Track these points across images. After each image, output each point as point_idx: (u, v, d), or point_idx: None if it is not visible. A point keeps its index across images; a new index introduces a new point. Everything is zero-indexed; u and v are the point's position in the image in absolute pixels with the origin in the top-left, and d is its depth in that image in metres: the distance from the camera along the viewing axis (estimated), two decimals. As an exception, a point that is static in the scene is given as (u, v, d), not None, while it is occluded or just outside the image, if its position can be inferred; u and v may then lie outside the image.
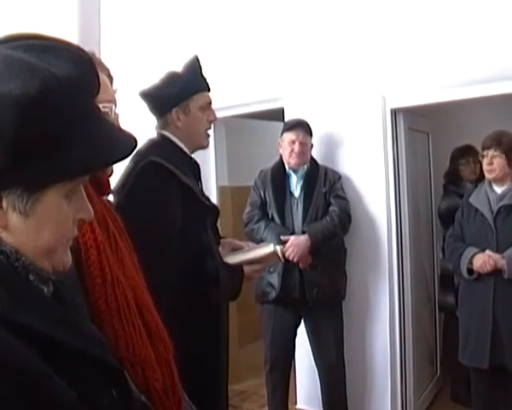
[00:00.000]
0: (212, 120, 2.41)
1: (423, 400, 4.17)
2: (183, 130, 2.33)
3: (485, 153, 3.23)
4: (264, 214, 3.63)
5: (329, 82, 3.90)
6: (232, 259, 2.38)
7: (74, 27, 2.78)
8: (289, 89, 4.08)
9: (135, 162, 2.11)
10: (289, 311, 3.63)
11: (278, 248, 2.55)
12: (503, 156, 3.17)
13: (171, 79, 2.34)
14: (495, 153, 3.18)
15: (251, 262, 2.42)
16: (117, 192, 2.03)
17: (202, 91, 2.39)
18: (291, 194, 3.62)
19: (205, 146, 2.45)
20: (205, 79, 2.42)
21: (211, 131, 2.49)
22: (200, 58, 2.40)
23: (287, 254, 3.37)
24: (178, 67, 2.38)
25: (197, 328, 2.08)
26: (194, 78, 2.36)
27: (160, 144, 2.32)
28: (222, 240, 2.51)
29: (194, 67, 2.39)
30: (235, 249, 2.51)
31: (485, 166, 3.25)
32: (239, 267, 2.36)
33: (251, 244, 2.65)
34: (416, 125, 4.17)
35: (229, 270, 2.31)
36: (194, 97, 2.35)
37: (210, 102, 2.41)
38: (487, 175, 3.26)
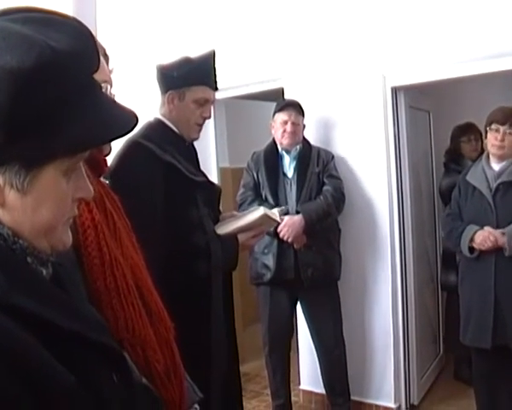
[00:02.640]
0: (206, 117, 2.43)
1: (426, 379, 4.19)
2: (174, 115, 2.37)
3: (494, 127, 3.13)
4: (258, 196, 3.62)
5: (329, 61, 3.86)
6: (223, 229, 2.37)
7: (69, 5, 2.75)
8: (289, 68, 4.04)
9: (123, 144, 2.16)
10: (285, 292, 3.63)
11: (275, 210, 2.56)
12: None
13: (179, 63, 2.36)
14: (509, 130, 3.10)
15: (245, 230, 2.40)
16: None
17: (203, 85, 2.38)
18: (284, 175, 3.61)
19: (194, 138, 2.46)
20: (214, 76, 2.41)
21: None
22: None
23: (281, 235, 3.39)
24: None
25: (186, 303, 2.05)
26: (199, 69, 2.36)
27: (151, 125, 2.36)
28: (221, 215, 2.50)
29: (206, 60, 2.39)
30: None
31: (493, 141, 3.14)
32: (233, 237, 2.36)
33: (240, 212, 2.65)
34: (417, 103, 4.14)
35: (223, 241, 2.31)
36: (193, 88, 2.35)
37: (208, 100, 2.41)
38: (494, 150, 3.16)
